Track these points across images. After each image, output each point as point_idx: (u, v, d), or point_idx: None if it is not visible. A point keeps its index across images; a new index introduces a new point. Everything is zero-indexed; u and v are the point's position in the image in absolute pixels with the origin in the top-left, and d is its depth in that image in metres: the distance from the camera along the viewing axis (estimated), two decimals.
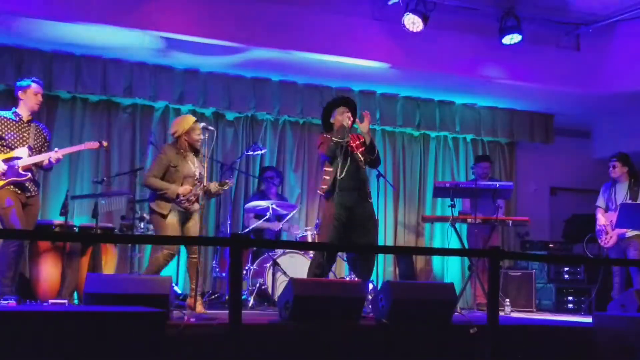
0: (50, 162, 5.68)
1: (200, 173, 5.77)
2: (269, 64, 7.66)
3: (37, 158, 5.62)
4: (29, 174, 5.56)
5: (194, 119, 5.87)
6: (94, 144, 5.96)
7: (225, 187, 5.95)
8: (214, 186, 5.85)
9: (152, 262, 5.78)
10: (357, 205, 5.77)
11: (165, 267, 5.73)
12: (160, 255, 5.64)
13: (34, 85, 5.72)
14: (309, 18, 7.26)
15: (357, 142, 5.92)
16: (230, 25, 6.99)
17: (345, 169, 5.71)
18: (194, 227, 5.78)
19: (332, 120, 5.97)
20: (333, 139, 5.72)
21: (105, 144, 5.98)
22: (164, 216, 5.60)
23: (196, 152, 5.86)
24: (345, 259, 7.06)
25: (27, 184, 5.58)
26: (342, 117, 5.85)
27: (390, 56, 7.57)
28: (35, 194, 5.70)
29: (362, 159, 5.88)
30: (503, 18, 7.55)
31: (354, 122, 5.89)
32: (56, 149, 5.74)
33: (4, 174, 5.46)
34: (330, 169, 5.79)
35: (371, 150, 5.86)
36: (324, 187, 5.81)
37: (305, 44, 7.26)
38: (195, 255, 5.75)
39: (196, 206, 5.79)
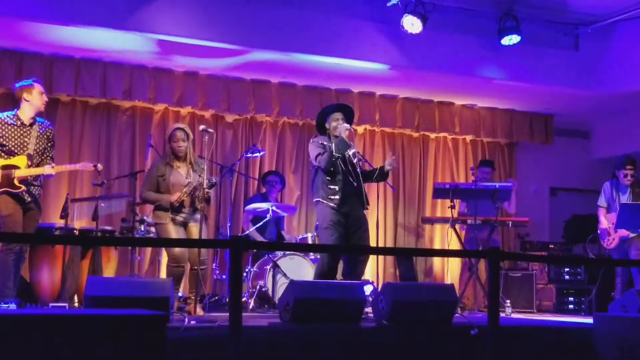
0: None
1: (197, 181, 5.82)
2: (268, 66, 7.66)
3: (33, 171, 5.45)
4: (23, 186, 5.39)
5: (174, 126, 6.03)
6: (89, 166, 5.81)
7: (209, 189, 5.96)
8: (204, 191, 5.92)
9: (168, 273, 5.89)
10: (354, 210, 5.82)
11: (181, 274, 5.87)
12: (169, 267, 5.85)
13: (37, 85, 5.57)
14: (308, 20, 7.26)
15: (358, 156, 5.96)
16: (230, 27, 7.00)
17: (349, 178, 5.79)
18: (195, 236, 5.89)
19: (327, 125, 5.96)
20: (334, 153, 5.70)
21: (100, 167, 5.79)
22: (165, 225, 5.80)
23: (178, 158, 5.91)
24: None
25: (21, 195, 5.41)
26: (336, 123, 5.86)
27: (390, 57, 7.57)
28: (33, 200, 5.51)
29: (359, 169, 5.93)
30: (502, 19, 7.57)
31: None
32: (53, 165, 5.58)
33: None
34: (329, 178, 5.78)
35: (383, 177, 6.06)
36: (336, 197, 5.73)
37: (305, 46, 7.27)
38: (196, 267, 5.84)
39: (191, 215, 5.89)
